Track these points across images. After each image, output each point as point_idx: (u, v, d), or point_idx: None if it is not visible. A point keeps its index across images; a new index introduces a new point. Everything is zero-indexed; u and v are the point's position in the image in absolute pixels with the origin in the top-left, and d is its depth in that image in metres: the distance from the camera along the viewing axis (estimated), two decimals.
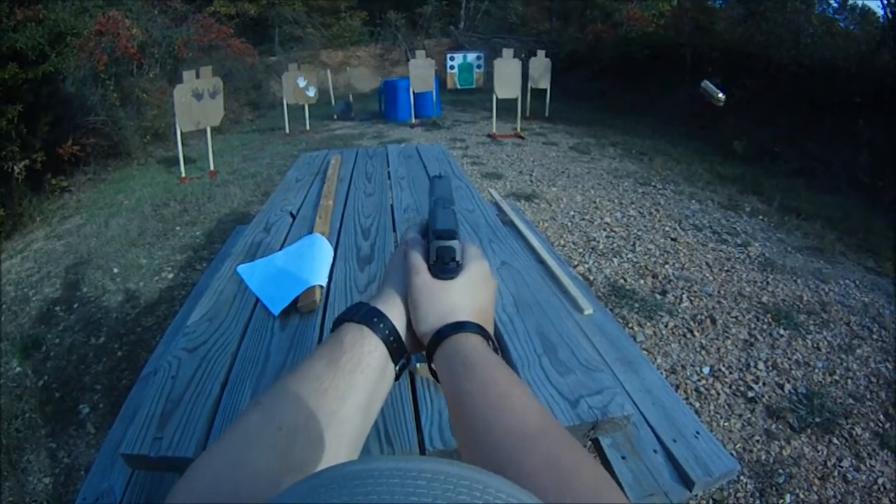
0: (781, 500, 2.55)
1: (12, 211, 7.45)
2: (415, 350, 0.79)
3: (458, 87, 13.70)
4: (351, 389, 0.67)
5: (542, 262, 3.16)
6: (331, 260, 2.12)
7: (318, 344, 1.60)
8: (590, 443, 1.72)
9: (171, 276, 5.31)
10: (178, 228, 6.62)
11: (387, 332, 0.73)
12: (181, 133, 8.82)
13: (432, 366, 0.74)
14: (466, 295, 0.77)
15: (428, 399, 1.33)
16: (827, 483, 2.64)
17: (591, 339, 2.44)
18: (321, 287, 1.88)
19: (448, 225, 0.81)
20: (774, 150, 8.53)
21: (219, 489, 0.55)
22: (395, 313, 0.76)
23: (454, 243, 0.78)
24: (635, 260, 4.88)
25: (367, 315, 0.74)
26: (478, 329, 0.74)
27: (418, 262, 0.79)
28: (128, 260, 5.74)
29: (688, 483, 1.67)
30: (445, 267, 0.78)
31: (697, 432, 1.84)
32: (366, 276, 2.00)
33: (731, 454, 2.44)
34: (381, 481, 0.33)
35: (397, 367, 0.75)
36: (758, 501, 2.55)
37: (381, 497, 0.31)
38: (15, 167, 7.66)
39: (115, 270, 5.53)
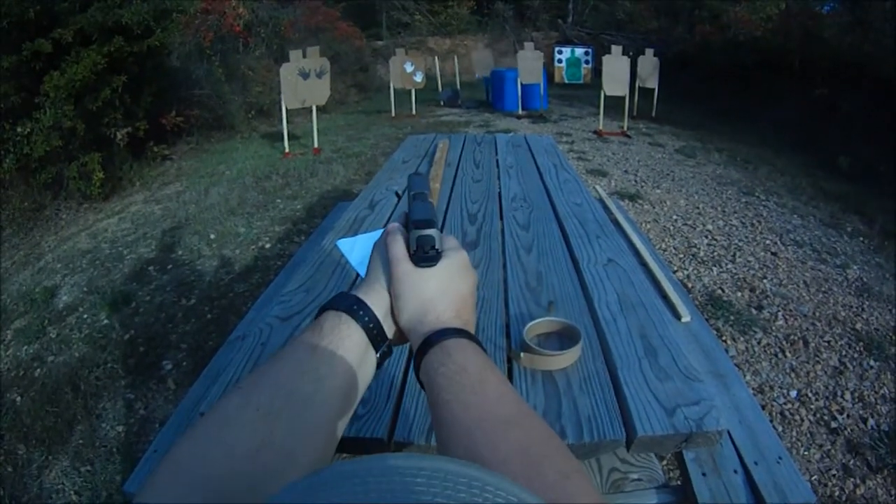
0: None
1: (112, 174, 7.76)
2: (399, 341, 0.81)
3: (566, 81, 13.66)
4: (329, 374, 0.68)
5: (644, 263, 3.10)
6: None
7: None
8: (672, 456, 1.68)
9: (268, 245, 5.40)
10: (278, 201, 6.72)
11: (366, 319, 0.74)
12: (286, 110, 8.97)
13: (420, 376, 0.74)
14: (446, 284, 0.79)
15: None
16: None
17: (686, 346, 2.38)
18: None
19: (426, 215, 0.83)
20: (880, 168, 8.17)
21: (199, 466, 0.57)
22: (377, 302, 0.77)
23: (432, 231, 0.79)
24: (734, 271, 4.75)
25: (348, 303, 0.75)
26: (461, 334, 0.74)
27: (399, 251, 0.80)
28: (225, 227, 5.87)
29: None
30: (425, 255, 0.79)
31: (780, 457, 1.78)
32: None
33: (808, 485, 2.34)
34: (380, 479, 0.33)
35: (378, 355, 0.76)
36: None
37: (380, 495, 0.32)
38: (117, 133, 7.99)
39: (212, 237, 5.66)
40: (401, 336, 0.80)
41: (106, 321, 4.16)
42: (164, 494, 0.54)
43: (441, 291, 0.77)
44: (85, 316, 4.28)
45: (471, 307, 0.81)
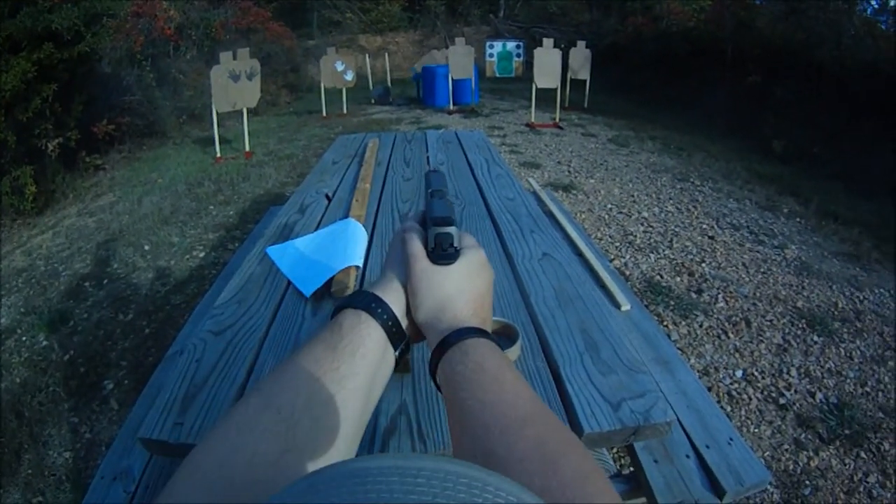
0: None
1: (45, 187, 7.56)
2: (416, 338, 0.81)
3: (497, 75, 13.73)
4: (350, 373, 0.68)
5: (580, 254, 3.10)
6: (366, 244, 2.05)
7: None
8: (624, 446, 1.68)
9: (202, 254, 5.33)
10: (211, 208, 6.65)
11: (385, 317, 0.75)
12: (217, 114, 8.84)
13: (436, 375, 0.74)
14: (464, 282, 0.79)
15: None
16: (852, 498, 2.57)
17: (628, 336, 2.38)
18: (357, 268, 1.83)
19: (445, 213, 0.85)
20: (813, 151, 8.39)
21: (220, 473, 0.56)
22: (395, 300, 0.78)
23: (451, 229, 0.81)
24: (672, 257, 4.83)
25: (367, 301, 0.76)
26: (480, 334, 0.74)
27: (417, 248, 0.82)
28: (159, 238, 5.77)
29: (718, 491, 1.63)
30: (443, 253, 0.80)
31: (731, 439, 1.80)
32: None
33: (761, 462, 2.40)
34: (380, 479, 0.33)
35: (397, 353, 0.76)
36: None
37: (380, 495, 0.31)
38: (49, 144, 7.78)
39: (147, 248, 5.56)
40: (417, 333, 0.80)
41: (45, 343, 4.06)
42: (182, 498, 0.53)
43: (459, 289, 0.78)
44: (24, 338, 4.16)
45: (488, 305, 0.82)
